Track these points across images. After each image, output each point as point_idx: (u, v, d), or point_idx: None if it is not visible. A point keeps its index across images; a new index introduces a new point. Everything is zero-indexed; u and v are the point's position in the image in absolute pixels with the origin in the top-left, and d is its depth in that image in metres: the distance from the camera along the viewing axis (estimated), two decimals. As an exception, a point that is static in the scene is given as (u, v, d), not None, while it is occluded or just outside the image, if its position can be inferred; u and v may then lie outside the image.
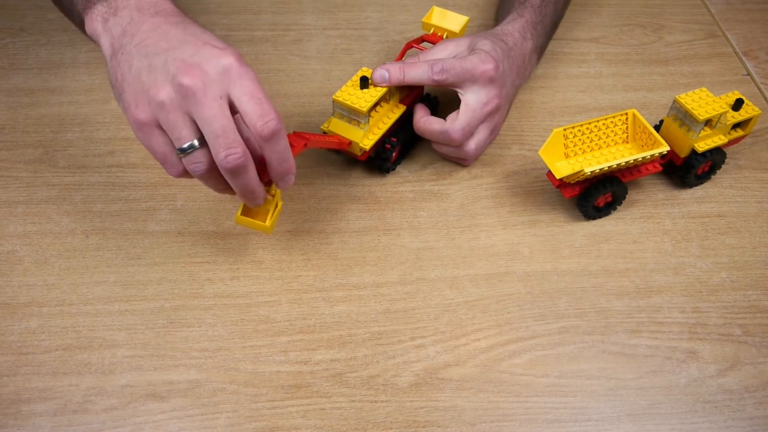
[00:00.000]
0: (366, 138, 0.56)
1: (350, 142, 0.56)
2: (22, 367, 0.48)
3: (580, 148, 0.56)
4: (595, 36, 0.75)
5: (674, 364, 0.49)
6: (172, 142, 0.43)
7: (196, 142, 0.42)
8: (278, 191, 0.49)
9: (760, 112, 0.58)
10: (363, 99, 0.55)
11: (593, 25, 0.76)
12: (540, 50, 0.65)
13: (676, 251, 0.56)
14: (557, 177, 0.54)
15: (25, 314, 0.50)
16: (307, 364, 0.48)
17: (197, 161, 0.43)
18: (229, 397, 0.47)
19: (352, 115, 0.55)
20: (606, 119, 0.56)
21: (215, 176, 0.44)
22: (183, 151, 0.42)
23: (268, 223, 0.49)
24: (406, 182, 0.60)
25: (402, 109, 0.59)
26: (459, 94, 0.56)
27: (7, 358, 0.48)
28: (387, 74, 0.56)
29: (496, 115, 0.58)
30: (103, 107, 0.65)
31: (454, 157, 0.60)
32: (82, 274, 0.53)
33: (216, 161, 0.42)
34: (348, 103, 0.54)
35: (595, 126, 0.56)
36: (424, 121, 0.57)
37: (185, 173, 0.44)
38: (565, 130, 0.55)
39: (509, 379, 0.48)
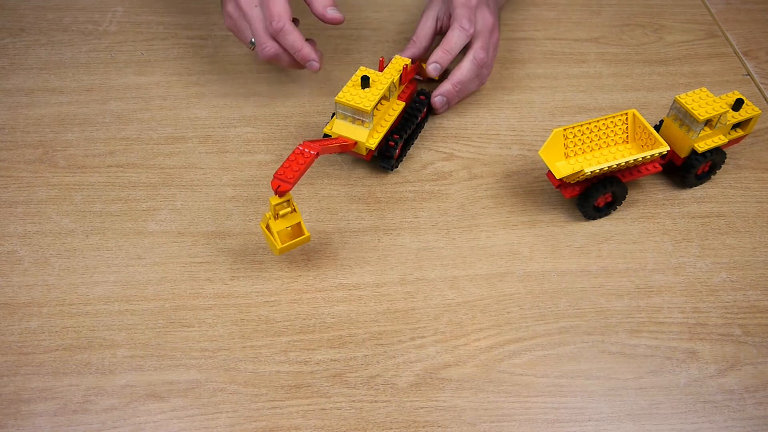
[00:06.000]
0: (371, 137, 0.56)
1: (355, 143, 0.56)
2: (22, 367, 0.48)
3: (580, 148, 0.56)
4: (595, 36, 0.75)
5: (674, 364, 0.49)
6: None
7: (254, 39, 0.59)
8: (303, 225, 0.51)
9: (760, 112, 0.58)
10: (366, 98, 0.55)
11: (593, 25, 0.76)
12: None
13: (676, 251, 0.56)
14: (557, 177, 0.54)
15: (25, 314, 0.50)
16: (307, 364, 0.48)
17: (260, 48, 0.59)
18: (229, 397, 0.47)
19: (355, 115, 0.56)
20: (606, 119, 0.56)
21: (281, 53, 0.59)
22: (251, 44, 0.60)
23: (278, 245, 0.49)
24: (406, 182, 0.60)
25: (402, 105, 0.59)
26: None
27: (7, 358, 0.48)
28: (439, 66, 0.63)
29: (495, 33, 0.66)
30: (103, 107, 0.65)
31: (474, 87, 0.66)
32: (82, 274, 0.53)
33: (258, 55, 0.60)
34: (351, 103, 0.54)
35: (595, 126, 0.56)
36: (458, 76, 0.63)
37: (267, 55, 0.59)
38: (565, 130, 0.55)
39: (509, 379, 0.48)
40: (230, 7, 0.60)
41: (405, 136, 0.59)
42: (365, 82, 0.55)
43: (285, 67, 0.62)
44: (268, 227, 0.50)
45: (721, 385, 0.48)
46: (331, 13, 0.59)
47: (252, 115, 0.65)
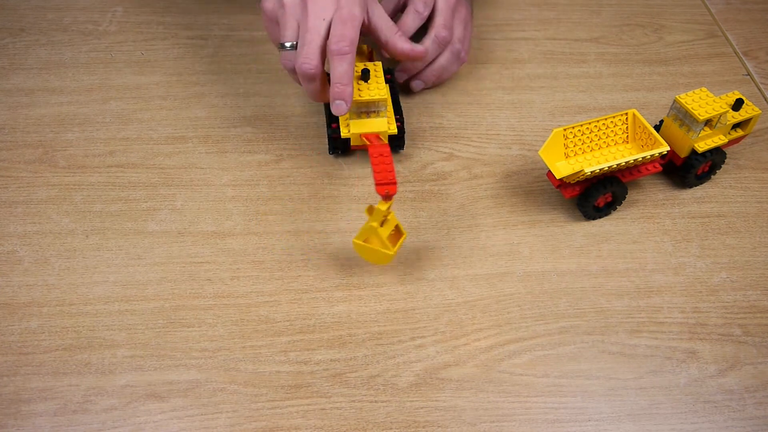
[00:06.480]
0: (390, 123, 0.57)
1: (378, 135, 0.57)
2: (22, 367, 0.48)
3: (580, 148, 0.56)
4: (595, 36, 0.75)
5: (674, 364, 0.49)
6: None
7: (293, 44, 0.54)
8: (395, 219, 0.51)
9: (760, 112, 0.58)
10: (375, 88, 0.55)
11: (593, 25, 0.76)
12: None
13: (676, 251, 0.56)
14: (557, 177, 0.54)
15: (25, 314, 0.50)
16: (307, 364, 0.48)
17: (287, 59, 0.55)
18: (229, 397, 0.47)
19: (371, 108, 0.56)
20: (606, 119, 0.56)
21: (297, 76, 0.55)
22: (281, 46, 0.54)
23: (391, 252, 0.50)
24: (406, 182, 0.60)
25: (387, 87, 0.60)
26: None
27: (7, 358, 0.48)
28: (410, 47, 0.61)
29: (462, 9, 0.65)
30: (103, 107, 0.65)
31: (450, 65, 0.64)
32: (82, 274, 0.53)
33: (295, 63, 0.53)
34: (368, 98, 0.55)
35: (595, 126, 0.56)
36: (415, 49, 0.60)
37: None
38: (565, 130, 0.55)
39: (509, 379, 0.48)
40: (290, 1, 0.53)
41: (402, 115, 0.61)
42: (366, 74, 0.55)
43: (307, 89, 0.55)
44: (367, 240, 0.50)
45: (721, 385, 0.48)
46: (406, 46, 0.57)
47: (252, 115, 0.65)
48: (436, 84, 0.67)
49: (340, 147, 0.60)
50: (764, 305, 0.53)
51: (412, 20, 0.62)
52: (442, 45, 0.63)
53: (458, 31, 0.64)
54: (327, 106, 0.60)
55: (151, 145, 0.62)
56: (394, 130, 0.57)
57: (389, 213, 0.50)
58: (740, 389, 0.48)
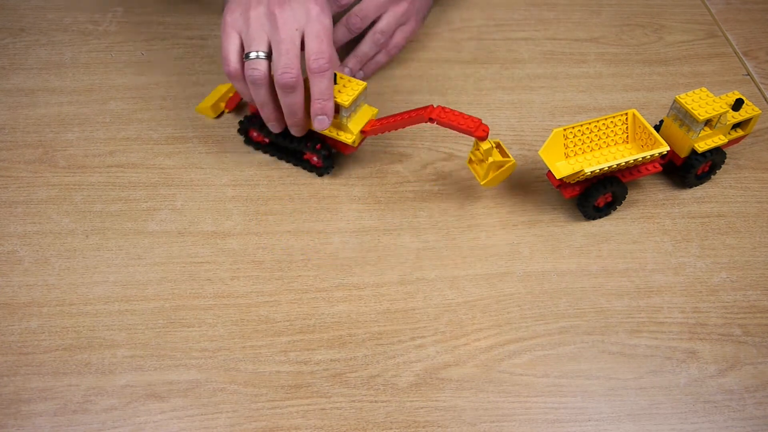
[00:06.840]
0: (370, 107, 0.58)
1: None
2: (22, 367, 0.48)
3: (580, 148, 0.56)
4: (595, 36, 0.75)
5: (674, 364, 0.49)
6: (241, 47, 0.53)
7: (261, 54, 0.52)
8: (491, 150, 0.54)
9: (760, 112, 0.58)
10: (350, 85, 0.56)
11: (593, 25, 0.76)
12: None
13: (676, 251, 0.56)
14: (557, 177, 0.54)
15: (25, 314, 0.50)
16: (307, 364, 0.48)
17: (256, 67, 0.52)
18: (229, 397, 0.47)
19: (358, 102, 0.56)
20: (606, 119, 0.56)
21: (265, 86, 0.53)
22: (248, 56, 0.52)
23: (512, 160, 0.54)
24: (406, 182, 0.60)
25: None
26: None
27: (7, 358, 0.48)
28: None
29: (401, 5, 0.65)
30: (103, 107, 0.65)
31: (372, 53, 0.66)
32: (82, 274, 0.53)
33: (274, 74, 0.51)
34: (355, 95, 0.55)
35: (595, 126, 0.56)
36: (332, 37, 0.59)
37: (236, 73, 0.53)
38: (565, 130, 0.55)
39: (509, 379, 0.48)
40: (256, 13, 0.52)
41: None
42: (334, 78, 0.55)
43: (285, 104, 0.53)
44: (489, 172, 0.54)
45: (721, 385, 0.48)
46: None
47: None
48: (367, 75, 0.67)
49: (335, 162, 0.60)
50: (764, 305, 0.53)
51: (342, 36, 0.64)
52: (353, 31, 0.64)
53: (384, 22, 0.64)
54: (291, 137, 0.58)
55: (151, 145, 0.62)
56: (375, 110, 0.58)
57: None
58: (740, 389, 0.48)
